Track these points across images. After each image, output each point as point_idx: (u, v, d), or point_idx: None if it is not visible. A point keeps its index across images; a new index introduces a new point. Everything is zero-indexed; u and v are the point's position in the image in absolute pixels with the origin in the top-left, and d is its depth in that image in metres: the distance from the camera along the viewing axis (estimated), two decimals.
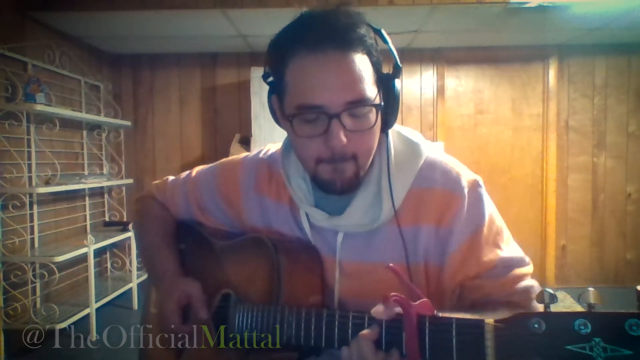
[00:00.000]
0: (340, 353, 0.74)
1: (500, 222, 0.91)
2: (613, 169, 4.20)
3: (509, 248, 0.89)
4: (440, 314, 0.68)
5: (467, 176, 0.90)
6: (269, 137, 3.76)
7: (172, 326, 1.01)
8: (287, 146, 0.99)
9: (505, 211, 4.01)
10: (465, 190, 0.87)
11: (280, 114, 0.88)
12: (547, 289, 0.60)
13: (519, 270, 0.87)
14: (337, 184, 0.84)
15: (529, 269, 0.88)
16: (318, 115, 0.80)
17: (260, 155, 1.07)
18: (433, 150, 0.94)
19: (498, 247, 0.87)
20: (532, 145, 4.29)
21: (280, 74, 0.83)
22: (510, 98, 4.30)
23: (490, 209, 0.89)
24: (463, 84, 4.32)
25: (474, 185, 0.89)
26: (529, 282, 0.87)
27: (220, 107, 4.26)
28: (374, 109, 0.81)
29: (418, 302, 0.68)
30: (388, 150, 0.89)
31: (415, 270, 0.88)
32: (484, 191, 0.90)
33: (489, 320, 0.62)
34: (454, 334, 0.65)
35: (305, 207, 0.94)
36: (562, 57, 4.16)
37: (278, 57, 0.83)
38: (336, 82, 0.78)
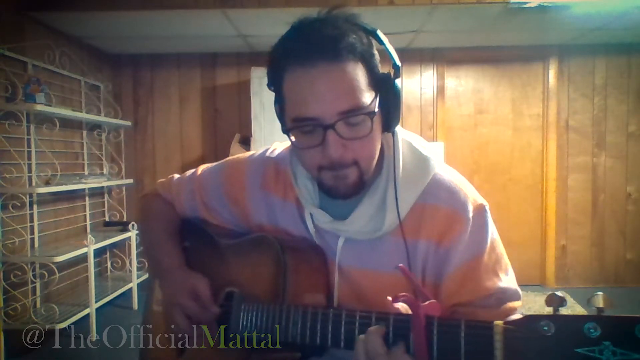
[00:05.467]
0: (343, 354, 0.74)
1: (500, 249, 0.90)
2: (613, 169, 4.20)
3: (507, 278, 0.89)
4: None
5: (474, 200, 0.90)
6: (269, 137, 3.76)
7: (188, 317, 1.00)
8: None
9: (505, 211, 4.02)
10: (471, 215, 0.87)
11: (282, 124, 0.89)
12: (556, 293, 0.59)
13: (511, 304, 0.87)
14: (340, 190, 0.85)
15: (519, 303, 0.89)
16: (313, 127, 0.81)
17: (267, 154, 1.08)
18: (443, 167, 0.94)
19: (496, 275, 0.87)
20: (532, 145, 4.29)
21: (277, 86, 0.85)
22: (510, 98, 4.30)
23: (492, 235, 0.89)
24: (463, 84, 4.32)
25: (480, 211, 0.89)
26: (517, 316, 0.87)
27: (220, 107, 4.25)
28: (369, 116, 0.81)
29: (427, 302, 0.68)
30: (395, 160, 0.89)
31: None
32: (489, 217, 0.90)
33: (498, 322, 0.62)
34: (462, 335, 0.65)
35: (310, 208, 0.95)
36: (562, 57, 4.17)
37: (274, 70, 0.85)
38: (328, 93, 0.78)
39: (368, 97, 0.81)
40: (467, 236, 0.86)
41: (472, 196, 0.90)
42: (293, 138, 0.84)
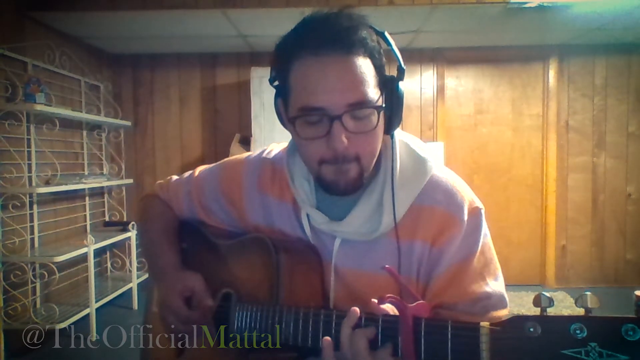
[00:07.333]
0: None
1: (491, 254, 0.90)
2: (613, 169, 4.20)
3: (495, 283, 0.88)
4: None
5: (470, 203, 0.90)
6: (269, 137, 3.76)
7: (177, 317, 1.00)
8: (293, 146, 0.99)
9: (505, 211, 4.01)
10: (466, 217, 0.87)
11: (285, 117, 0.88)
12: (543, 293, 0.59)
13: (495, 313, 0.86)
14: (340, 185, 0.85)
15: (505, 311, 0.88)
16: (320, 117, 0.80)
17: (264, 155, 1.08)
18: (440, 168, 0.94)
19: (483, 279, 0.87)
20: (532, 145, 4.29)
21: (284, 77, 0.84)
22: (510, 98, 4.29)
23: (484, 239, 0.89)
24: (463, 84, 4.31)
25: (476, 214, 0.89)
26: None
27: (220, 107, 4.26)
28: (375, 111, 0.81)
29: (414, 303, 0.68)
30: (393, 161, 0.89)
31: (407, 282, 0.88)
32: (483, 221, 0.90)
33: (485, 323, 0.62)
34: (449, 336, 0.65)
35: (306, 208, 0.94)
36: (562, 57, 4.16)
37: (282, 60, 0.84)
38: (337, 84, 0.78)
39: (375, 93, 0.81)
40: (460, 239, 0.86)
41: (469, 199, 0.90)
42: (297, 128, 0.84)
